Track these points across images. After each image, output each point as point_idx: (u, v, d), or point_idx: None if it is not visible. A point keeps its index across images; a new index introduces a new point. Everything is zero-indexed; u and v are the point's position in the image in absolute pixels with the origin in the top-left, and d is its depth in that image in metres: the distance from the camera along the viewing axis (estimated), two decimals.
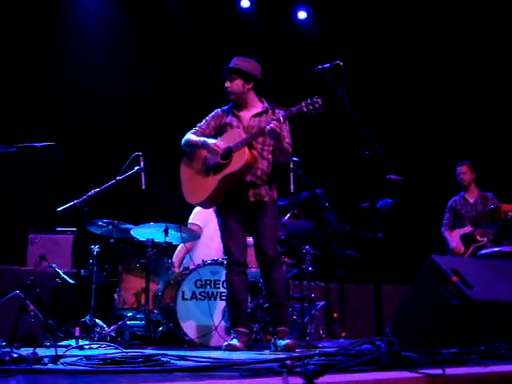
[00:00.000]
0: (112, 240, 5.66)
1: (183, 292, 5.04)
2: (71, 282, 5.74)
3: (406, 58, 8.68)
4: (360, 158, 4.11)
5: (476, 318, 3.11)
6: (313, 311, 5.55)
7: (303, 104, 4.27)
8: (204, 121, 4.68)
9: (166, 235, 5.33)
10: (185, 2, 8.49)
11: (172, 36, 8.32)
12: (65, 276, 5.75)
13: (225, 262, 4.55)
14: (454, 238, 6.72)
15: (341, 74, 4.21)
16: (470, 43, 8.40)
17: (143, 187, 5.30)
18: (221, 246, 5.54)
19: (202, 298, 5.06)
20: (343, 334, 5.92)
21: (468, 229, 6.58)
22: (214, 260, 5.29)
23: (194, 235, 5.61)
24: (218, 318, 4.99)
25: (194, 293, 5.06)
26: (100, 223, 5.55)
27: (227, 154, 4.40)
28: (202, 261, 5.26)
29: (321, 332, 5.61)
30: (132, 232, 5.44)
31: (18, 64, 7.59)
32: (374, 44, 8.65)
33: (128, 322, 5.36)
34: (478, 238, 6.48)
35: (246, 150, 4.36)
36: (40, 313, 4.58)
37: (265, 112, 4.59)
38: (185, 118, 8.08)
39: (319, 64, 4.62)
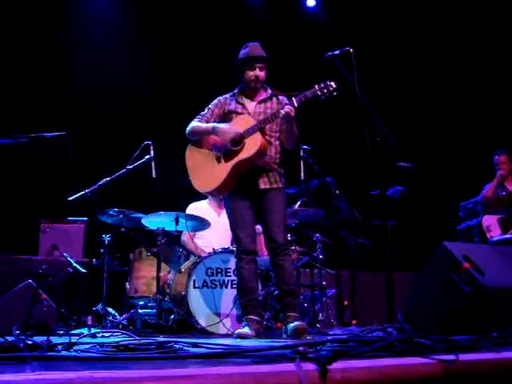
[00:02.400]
0: (123, 229, 5.67)
1: (194, 280, 5.05)
2: (83, 271, 5.78)
3: (417, 43, 8.62)
4: (371, 145, 4.10)
5: (488, 304, 3.11)
6: (323, 299, 5.56)
7: (317, 87, 4.26)
8: (207, 109, 4.63)
9: (177, 224, 5.35)
10: None
11: (179, 25, 8.30)
12: (76, 265, 5.79)
13: (234, 250, 4.55)
14: (489, 218, 6.54)
15: (351, 61, 4.20)
16: (483, 27, 8.32)
17: (154, 176, 5.32)
18: (218, 238, 5.62)
19: (213, 286, 5.07)
20: (354, 322, 5.92)
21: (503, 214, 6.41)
22: (224, 248, 5.31)
23: (205, 224, 5.61)
24: (229, 306, 5.00)
25: (205, 281, 5.07)
26: (111, 212, 5.57)
27: (238, 140, 4.38)
28: (213, 249, 5.28)
29: (331, 320, 5.61)
30: (143, 221, 5.46)
31: (26, 54, 7.61)
32: (384, 30, 8.60)
33: (140, 311, 5.39)
34: None
35: (260, 135, 4.34)
36: (52, 301, 4.61)
37: (269, 98, 4.58)
38: (194, 106, 8.14)
39: (329, 51, 4.62)
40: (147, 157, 5.37)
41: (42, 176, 7.14)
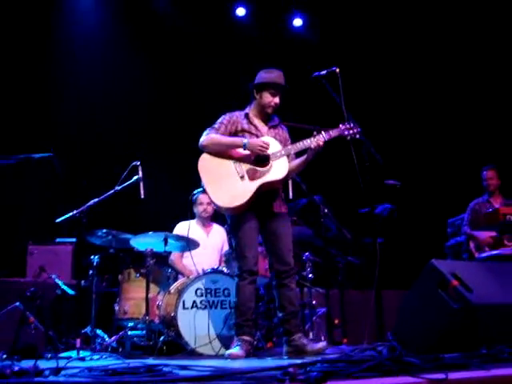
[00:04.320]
0: (112, 250, 5.65)
1: (184, 301, 5.02)
2: (71, 292, 5.74)
3: (403, 62, 8.69)
4: (358, 164, 4.13)
5: (476, 321, 3.11)
6: (314, 318, 5.55)
7: (342, 127, 4.37)
8: (220, 124, 4.57)
9: (166, 244, 5.33)
10: (182, 12, 8.51)
11: (170, 47, 8.35)
12: (65, 287, 5.74)
13: (236, 271, 4.51)
14: (481, 234, 6.56)
15: (337, 81, 4.25)
16: (466, 47, 8.41)
17: (142, 197, 5.30)
18: (206, 258, 5.62)
19: (203, 306, 5.05)
20: (345, 341, 5.90)
21: (493, 233, 6.41)
22: (213, 269, 5.30)
23: (193, 244, 5.59)
24: (218, 327, 4.97)
25: (194, 302, 5.05)
26: (99, 233, 5.55)
27: (263, 159, 4.40)
28: (203, 269, 5.26)
29: (322, 339, 5.59)
30: (131, 242, 5.44)
31: (15, 74, 7.61)
32: (370, 49, 8.66)
33: (129, 332, 5.35)
34: (506, 242, 6.35)
35: (287, 161, 4.42)
36: (40, 324, 4.57)
37: (278, 125, 4.67)
38: (183, 128, 8.18)
39: (316, 70, 4.67)
40: (135, 177, 5.36)
41: (29, 197, 7.11)
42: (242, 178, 4.38)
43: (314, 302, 5.58)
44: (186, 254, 5.88)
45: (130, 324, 5.35)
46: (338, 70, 4.29)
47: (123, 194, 5.40)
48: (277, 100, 4.54)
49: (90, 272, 5.55)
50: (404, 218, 7.50)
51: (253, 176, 4.37)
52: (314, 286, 5.75)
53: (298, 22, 9.14)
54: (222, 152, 4.45)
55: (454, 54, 8.54)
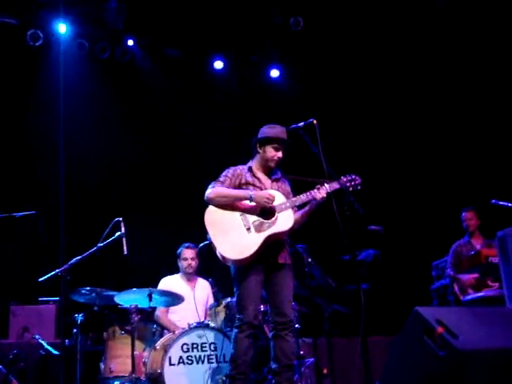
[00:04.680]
0: (96, 308, 5.58)
1: (170, 357, 4.98)
2: (55, 353, 5.66)
3: (380, 110, 8.85)
4: (339, 214, 4.16)
5: (464, 367, 3.10)
6: (302, 369, 5.49)
7: (345, 179, 4.50)
8: (224, 177, 4.62)
9: (150, 300, 5.29)
10: (162, 68, 8.65)
11: (151, 103, 8.46)
12: (49, 347, 5.67)
13: (235, 321, 4.48)
14: (464, 278, 6.58)
15: (315, 132, 4.31)
16: (446, 89, 8.60)
17: (125, 253, 5.28)
18: (191, 313, 5.59)
19: (190, 362, 5.01)
20: None
21: (476, 274, 6.46)
22: (199, 323, 5.26)
23: (178, 298, 5.56)
24: (206, 382, 4.92)
25: (181, 357, 5.00)
26: (83, 291, 5.49)
27: (268, 211, 4.46)
28: (188, 324, 5.22)
29: None
30: (116, 299, 5.39)
31: None
32: (347, 98, 8.82)
33: None
34: (490, 283, 6.39)
35: (292, 213, 4.49)
36: None
37: (280, 179, 4.78)
38: (165, 183, 8.23)
39: (294, 120, 4.76)
40: (118, 233, 5.34)
41: (11, 256, 7.04)
42: (248, 230, 4.42)
43: (301, 353, 5.53)
44: (172, 308, 5.85)
45: (117, 383, 5.26)
46: (315, 122, 4.35)
47: (106, 250, 5.38)
48: (280, 154, 4.67)
49: (74, 331, 5.47)
50: (388, 262, 7.53)
51: (259, 228, 4.42)
52: (300, 337, 5.70)
53: (275, 73, 9.31)
54: (227, 204, 4.50)
55: (429, 103, 8.71)
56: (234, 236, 4.40)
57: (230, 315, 5.35)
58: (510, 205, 5.52)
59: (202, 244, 5.37)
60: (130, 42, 8.44)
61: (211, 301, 5.87)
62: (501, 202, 5.62)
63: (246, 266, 4.42)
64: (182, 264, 6.04)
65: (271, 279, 4.52)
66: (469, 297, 6.35)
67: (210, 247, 4.54)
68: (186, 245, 6.07)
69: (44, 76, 7.98)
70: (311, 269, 5.70)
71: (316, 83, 8.87)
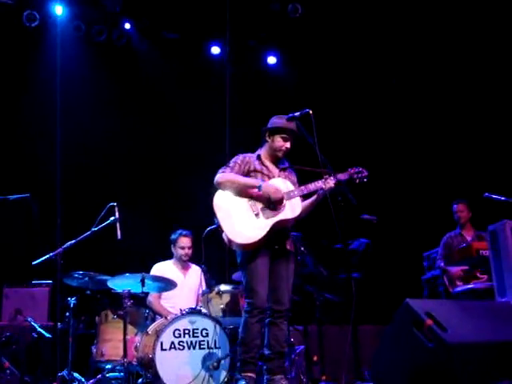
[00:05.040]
0: (88, 292, 5.62)
1: (162, 342, 4.99)
2: (48, 335, 5.69)
3: (376, 100, 8.85)
4: (332, 204, 4.19)
5: (452, 360, 3.15)
6: (292, 356, 5.54)
7: (352, 171, 4.59)
8: (234, 163, 4.69)
9: (143, 285, 5.31)
10: (156, 52, 8.62)
11: (146, 87, 8.42)
12: (41, 330, 5.70)
13: (245, 306, 4.54)
14: (454, 271, 6.60)
15: (311, 122, 4.34)
16: (440, 81, 8.59)
17: (119, 238, 5.30)
18: (183, 299, 5.63)
19: (181, 347, 5.02)
20: (323, 378, 5.90)
21: (465, 266, 6.49)
22: (191, 308, 5.30)
23: (171, 284, 5.59)
24: (197, 368, 4.96)
25: (172, 343, 5.02)
26: (76, 275, 5.52)
27: (279, 200, 4.51)
28: (180, 310, 5.26)
29: (301, 377, 5.58)
30: (108, 283, 5.41)
31: None
32: (345, 86, 8.81)
33: (107, 375, 5.31)
34: (478, 275, 6.42)
35: (300, 201, 4.58)
36: (16, 369, 4.53)
37: (287, 168, 4.83)
38: (159, 169, 8.23)
39: (291, 108, 4.79)
40: (112, 218, 5.37)
41: (5, 239, 7.04)
42: (256, 215, 4.51)
43: (292, 340, 5.57)
44: (164, 294, 5.88)
45: (108, 366, 5.32)
46: (311, 112, 4.38)
47: (100, 235, 5.40)
48: (288, 145, 4.72)
49: (67, 314, 5.51)
50: (380, 252, 7.56)
51: (267, 214, 4.50)
52: (291, 324, 5.74)
53: (272, 59, 9.28)
54: (237, 190, 4.57)
55: (424, 94, 8.71)
56: (242, 220, 4.48)
57: (221, 302, 5.40)
58: (502, 198, 5.56)
59: (209, 228, 5.39)
60: (127, 26, 8.39)
61: (203, 287, 5.90)
62: (494, 196, 5.66)
63: (253, 250, 4.49)
64: (178, 252, 6.05)
65: (275, 266, 4.58)
66: (458, 289, 6.39)
67: (214, 232, 4.61)
68: (184, 233, 6.07)
69: (40, 57, 7.94)
70: (304, 257, 5.74)
71: (313, 71, 8.84)
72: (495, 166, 7.86)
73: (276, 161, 4.79)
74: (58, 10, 7.92)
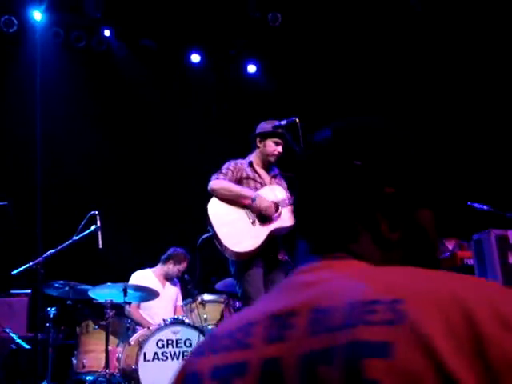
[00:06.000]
0: (69, 302, 5.53)
1: (145, 353, 4.93)
2: (27, 347, 5.57)
3: (356, 108, 8.87)
4: None
5: None
6: None
7: None
8: (227, 170, 4.63)
9: (125, 295, 5.25)
10: (136, 59, 8.56)
11: (127, 94, 8.35)
12: (19, 341, 5.57)
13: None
14: None
15: (297, 131, 4.34)
16: (433, 93, 8.66)
17: (100, 247, 5.23)
18: (162, 310, 5.58)
19: (165, 358, 4.97)
20: None
21: None
22: (174, 319, 5.25)
23: (152, 294, 5.54)
24: None
25: (155, 353, 4.96)
26: (56, 285, 5.44)
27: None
28: (164, 320, 5.20)
29: None
30: (90, 293, 5.34)
31: None
32: (325, 94, 8.84)
33: None
34: None
35: None
36: None
37: (277, 175, 4.81)
38: (141, 178, 8.15)
39: (272, 116, 4.78)
40: (93, 227, 5.30)
41: None
42: (253, 223, 4.46)
43: None
44: (143, 305, 5.84)
45: (89, 378, 5.21)
46: (297, 120, 4.38)
47: (81, 244, 5.32)
48: (280, 149, 4.69)
49: (47, 325, 5.41)
50: None
51: (263, 222, 4.46)
52: None
53: (251, 68, 9.29)
54: (231, 199, 4.53)
55: (408, 100, 8.76)
56: (238, 228, 4.43)
57: (205, 312, 5.35)
58: (485, 208, 5.60)
59: (203, 236, 5.34)
60: (107, 33, 8.32)
61: (180, 298, 5.90)
62: (476, 205, 5.69)
63: (248, 260, 4.43)
64: (173, 271, 6.04)
65: (271, 275, 4.53)
66: None
67: (207, 241, 4.56)
68: (188, 257, 6.06)
69: (19, 63, 7.83)
70: (289, 267, 5.73)
71: (293, 79, 8.87)
72: (477, 175, 7.92)
73: (268, 167, 4.77)
74: (37, 15, 7.82)
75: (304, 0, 8.37)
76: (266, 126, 4.76)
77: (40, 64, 7.49)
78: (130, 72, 8.45)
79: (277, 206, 4.50)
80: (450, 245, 6.93)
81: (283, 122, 4.50)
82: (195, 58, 8.93)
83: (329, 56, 8.71)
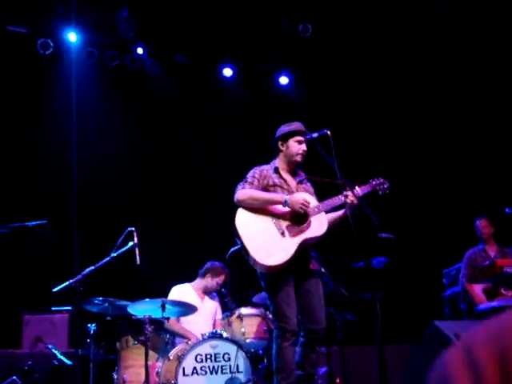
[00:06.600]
0: (108, 317, 5.60)
1: (184, 368, 4.96)
2: (68, 363, 5.66)
3: (390, 117, 8.83)
4: (354, 225, 4.14)
5: None
6: (315, 378, 5.47)
7: (374, 183, 4.51)
8: (252, 178, 4.47)
9: (163, 310, 5.28)
10: (169, 75, 8.67)
11: (161, 110, 8.47)
12: (62, 357, 5.67)
13: (276, 331, 4.36)
14: (476, 292, 6.52)
15: (329, 143, 4.29)
16: (456, 97, 8.58)
17: (138, 263, 5.28)
18: (201, 324, 5.58)
19: (204, 372, 4.99)
20: None
21: (489, 284, 6.35)
22: (212, 333, 5.26)
23: (191, 309, 5.57)
24: None
25: (194, 368, 4.99)
26: (96, 301, 5.50)
27: (300, 215, 4.32)
28: (202, 334, 5.22)
29: None
30: (129, 309, 5.38)
31: (8, 141, 7.67)
32: (357, 105, 8.81)
33: None
34: (503, 291, 6.30)
35: (325, 217, 4.39)
36: None
37: (303, 180, 4.66)
38: (177, 193, 8.24)
39: (306, 128, 4.75)
40: (131, 243, 5.34)
41: (25, 266, 7.05)
42: (282, 234, 4.28)
43: None
44: (183, 319, 5.86)
45: None
46: (329, 133, 4.34)
47: (119, 260, 5.38)
48: (304, 147, 4.54)
49: (87, 340, 5.48)
50: (399, 270, 7.50)
51: (293, 232, 4.29)
52: None
53: (284, 79, 9.32)
54: (259, 207, 4.36)
55: (441, 109, 8.69)
56: (267, 241, 4.25)
57: (242, 325, 5.35)
58: None
59: (232, 249, 5.34)
60: (140, 51, 8.47)
61: (219, 312, 5.90)
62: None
63: (277, 273, 4.26)
64: (212, 284, 6.04)
65: (302, 286, 4.39)
66: (482, 306, 6.30)
67: (238, 253, 4.46)
68: (226, 270, 6.03)
69: (55, 84, 8.00)
70: (324, 278, 5.69)
71: (325, 90, 8.87)
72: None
73: (293, 171, 4.63)
74: (72, 36, 8.00)
75: (334, 10, 8.36)
76: (285, 128, 4.63)
77: (75, 84, 7.62)
78: (163, 88, 8.57)
79: (306, 215, 4.32)
80: (492, 252, 6.81)
81: (315, 135, 4.42)
82: (227, 72, 9.00)
83: (360, 66, 8.69)
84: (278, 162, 4.61)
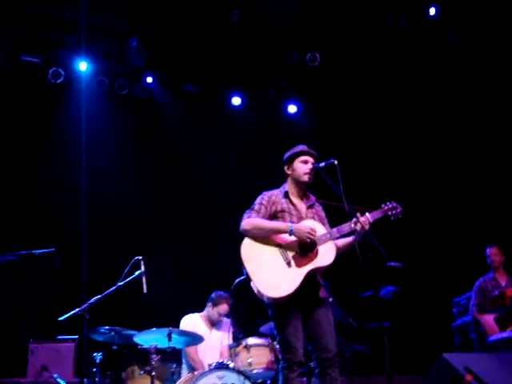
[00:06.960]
0: (115, 347, 5.55)
1: None
2: None
3: (398, 146, 8.83)
4: (362, 256, 4.10)
5: None
6: None
7: (386, 208, 4.42)
8: (259, 205, 4.40)
9: (170, 340, 5.25)
10: (178, 104, 8.73)
11: (170, 139, 8.51)
12: None
13: (282, 362, 4.26)
14: (488, 322, 6.44)
15: (336, 173, 4.28)
16: (463, 123, 8.58)
17: (145, 291, 5.25)
18: (208, 355, 5.52)
19: None
20: None
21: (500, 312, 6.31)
22: (219, 363, 5.21)
23: (198, 339, 5.54)
24: None
25: None
26: (102, 330, 5.48)
27: (309, 243, 4.24)
28: (209, 365, 5.18)
29: None
30: (135, 338, 5.36)
31: (18, 169, 7.72)
32: (365, 133, 8.82)
33: None
34: None
35: (334, 245, 4.30)
36: None
37: (314, 204, 4.58)
38: (185, 221, 8.23)
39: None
40: (138, 272, 5.33)
41: (30, 294, 7.04)
42: (288, 264, 4.20)
43: None
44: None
45: None
46: (336, 163, 4.32)
47: (126, 289, 5.36)
48: (310, 166, 4.46)
49: (93, 370, 5.45)
50: (408, 299, 7.43)
51: (300, 262, 4.22)
52: None
53: (292, 108, 9.35)
54: (265, 237, 4.30)
55: (448, 138, 8.69)
56: (273, 271, 4.18)
57: (249, 356, 5.30)
58: None
59: (237, 280, 5.29)
60: (149, 79, 8.54)
61: (227, 341, 5.86)
62: None
63: (284, 303, 4.20)
64: (214, 314, 6.03)
65: (311, 314, 4.30)
66: (494, 337, 6.23)
67: (244, 283, 4.39)
68: (229, 301, 6.00)
69: (65, 112, 8.05)
70: (333, 308, 5.64)
71: (333, 118, 8.89)
72: None
73: (303, 194, 4.54)
74: (83, 66, 8.08)
75: (342, 39, 8.42)
76: (292, 150, 4.59)
77: (85, 112, 7.68)
78: (172, 117, 8.61)
79: (313, 243, 4.24)
80: (502, 281, 6.75)
81: (322, 165, 4.39)
82: (236, 100, 9.05)
83: (367, 93, 8.72)
84: (288, 187, 4.56)
